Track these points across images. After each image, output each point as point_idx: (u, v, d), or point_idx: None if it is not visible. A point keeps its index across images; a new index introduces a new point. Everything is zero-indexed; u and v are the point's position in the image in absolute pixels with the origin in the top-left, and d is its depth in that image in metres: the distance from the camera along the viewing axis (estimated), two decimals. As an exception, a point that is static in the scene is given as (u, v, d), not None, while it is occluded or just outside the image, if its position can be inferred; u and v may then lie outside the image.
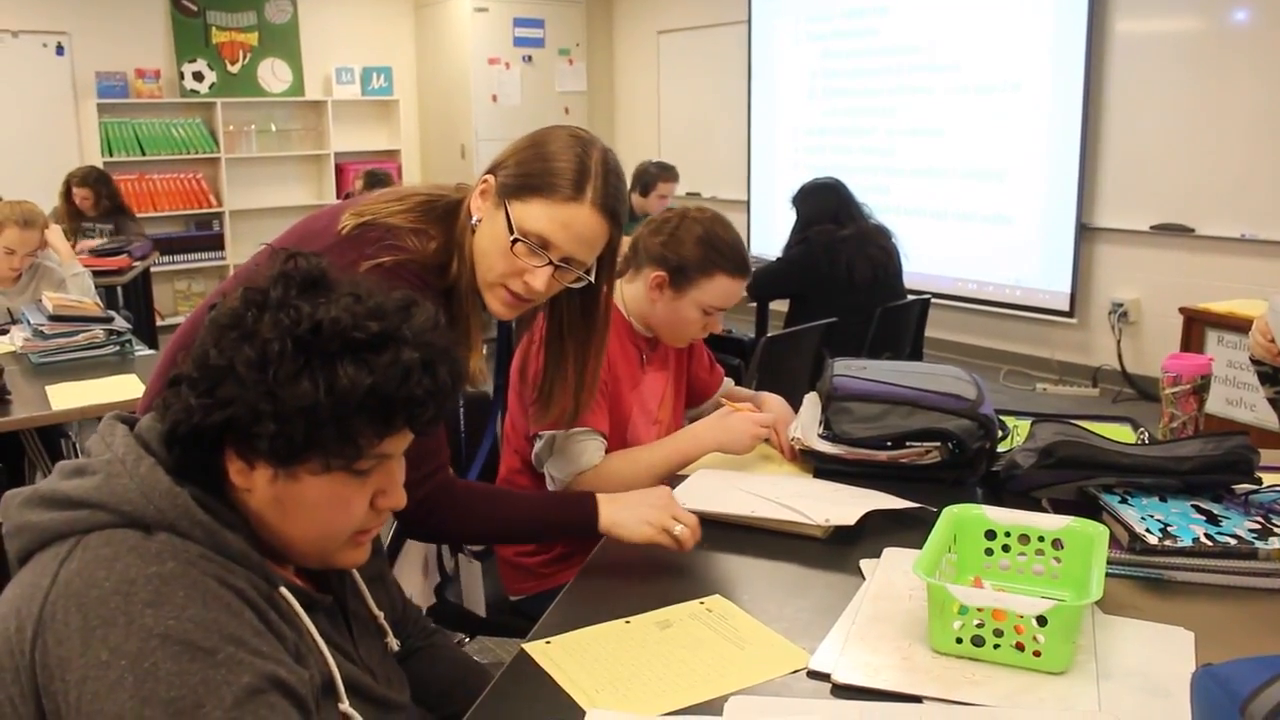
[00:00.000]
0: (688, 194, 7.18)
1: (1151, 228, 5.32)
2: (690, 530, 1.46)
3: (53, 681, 0.87)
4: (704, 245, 1.91)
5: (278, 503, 0.99)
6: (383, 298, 1.01)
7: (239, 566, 0.95)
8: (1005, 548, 1.38)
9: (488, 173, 1.48)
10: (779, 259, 4.19)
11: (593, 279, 1.51)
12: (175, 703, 0.84)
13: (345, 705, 1.03)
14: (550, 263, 1.44)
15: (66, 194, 5.53)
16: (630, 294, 1.98)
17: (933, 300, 4.36)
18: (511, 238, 1.42)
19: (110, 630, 0.86)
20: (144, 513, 0.93)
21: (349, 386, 0.94)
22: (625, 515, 1.48)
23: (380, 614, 1.20)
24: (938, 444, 1.77)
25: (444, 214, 1.49)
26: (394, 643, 1.21)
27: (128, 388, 2.82)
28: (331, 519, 1.02)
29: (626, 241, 1.94)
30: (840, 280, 3.79)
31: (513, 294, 1.46)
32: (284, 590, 1.00)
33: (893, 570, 1.42)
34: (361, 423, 0.96)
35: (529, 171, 1.44)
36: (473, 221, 1.47)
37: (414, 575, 1.92)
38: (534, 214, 1.42)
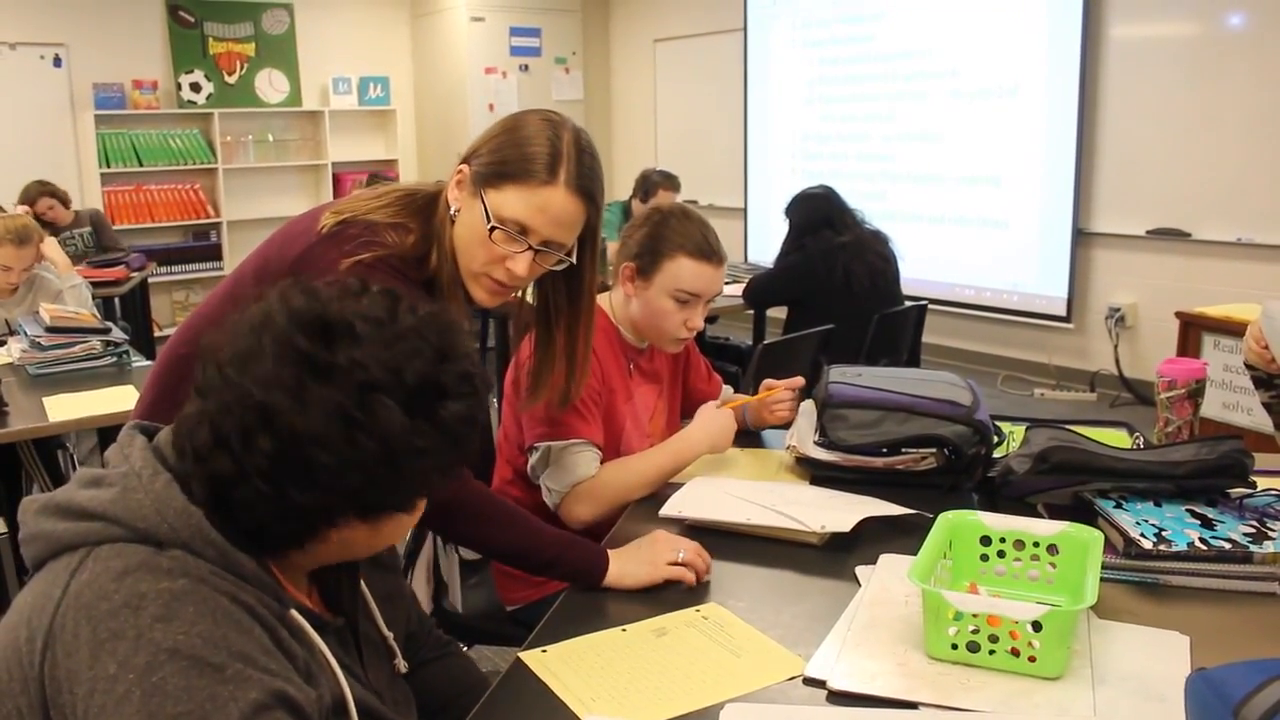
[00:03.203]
0: (685, 202, 7.19)
1: (1148, 232, 5.33)
2: (692, 552, 1.45)
3: (60, 694, 0.87)
4: (664, 228, 1.93)
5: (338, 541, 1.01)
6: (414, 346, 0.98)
7: (250, 585, 0.95)
8: (1001, 553, 1.38)
9: (462, 162, 1.49)
10: (776, 265, 4.20)
11: (574, 260, 1.52)
12: (181, 718, 0.84)
13: None
14: (530, 247, 1.45)
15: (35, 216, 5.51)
16: (617, 300, 2.00)
17: (930, 306, 4.36)
18: (489, 225, 1.43)
19: (119, 643, 0.86)
20: (157, 529, 0.93)
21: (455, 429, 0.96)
22: (631, 565, 1.47)
23: (390, 635, 1.19)
24: (933, 450, 1.77)
25: (422, 207, 1.50)
26: (402, 665, 1.20)
27: (125, 399, 2.81)
28: (371, 546, 1.05)
29: (614, 247, 1.94)
30: (838, 287, 3.79)
31: (496, 282, 1.47)
32: (294, 613, 1.00)
33: (888, 577, 1.42)
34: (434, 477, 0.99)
35: (503, 158, 1.44)
36: (451, 212, 1.48)
37: (421, 584, 1.92)
38: (510, 200, 1.43)
